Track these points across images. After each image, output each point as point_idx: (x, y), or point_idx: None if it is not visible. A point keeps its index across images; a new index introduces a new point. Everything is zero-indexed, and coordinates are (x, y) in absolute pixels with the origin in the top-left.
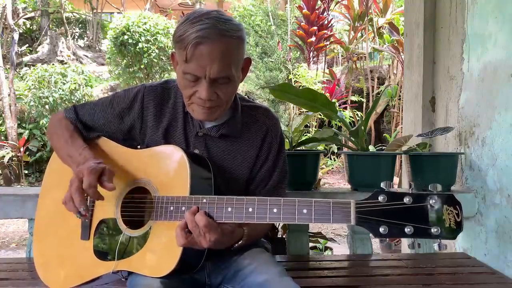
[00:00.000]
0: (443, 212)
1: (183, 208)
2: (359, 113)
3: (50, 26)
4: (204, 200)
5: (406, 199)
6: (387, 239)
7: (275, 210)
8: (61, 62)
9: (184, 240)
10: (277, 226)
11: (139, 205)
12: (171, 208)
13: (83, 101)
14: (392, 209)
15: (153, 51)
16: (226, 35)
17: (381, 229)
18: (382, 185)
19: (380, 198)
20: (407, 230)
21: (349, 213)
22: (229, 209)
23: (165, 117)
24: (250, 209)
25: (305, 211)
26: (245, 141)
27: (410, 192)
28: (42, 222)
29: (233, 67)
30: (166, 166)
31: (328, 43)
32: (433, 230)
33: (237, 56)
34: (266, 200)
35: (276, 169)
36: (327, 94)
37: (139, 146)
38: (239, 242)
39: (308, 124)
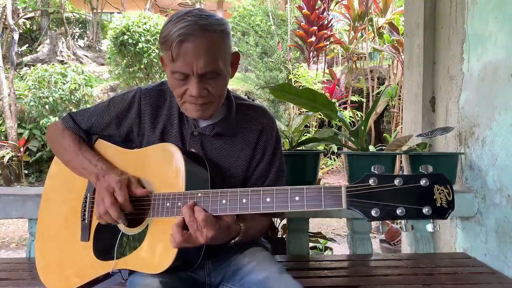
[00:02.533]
0: (434, 191)
1: (179, 204)
2: (359, 113)
3: (50, 26)
4: (199, 194)
5: (397, 181)
6: (379, 222)
7: (268, 199)
8: (61, 62)
9: (181, 237)
10: (277, 226)
11: (136, 203)
12: (167, 204)
13: (83, 101)
14: (383, 191)
15: (153, 51)
16: (209, 30)
17: (373, 212)
18: (373, 169)
19: (371, 181)
20: (398, 211)
21: (340, 198)
22: (224, 201)
23: (161, 119)
24: (244, 200)
25: (297, 198)
26: (240, 140)
27: (401, 174)
28: (44, 226)
29: (220, 61)
30: (162, 164)
31: (328, 43)
32: (425, 210)
33: (223, 50)
34: (259, 190)
35: (273, 168)
36: (327, 94)
37: (136, 148)
38: (236, 239)
39: (308, 124)
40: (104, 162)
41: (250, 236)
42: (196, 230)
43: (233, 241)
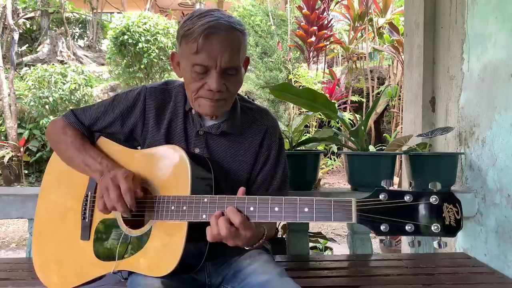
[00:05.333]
0: (443, 210)
1: (184, 208)
2: (358, 116)
3: (50, 26)
4: (205, 200)
5: (407, 197)
6: (388, 237)
7: (276, 209)
8: (61, 62)
9: (226, 231)
10: (277, 226)
11: (139, 205)
12: (172, 207)
13: (83, 101)
14: (393, 207)
15: (153, 51)
16: (235, 28)
17: (382, 227)
18: (383, 183)
19: (381, 196)
20: (407, 228)
21: (350, 212)
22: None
23: (166, 118)
24: (252, 208)
25: (306, 209)
26: (245, 140)
27: (411, 190)
28: (41, 223)
29: (240, 59)
30: (167, 166)
31: (328, 43)
32: (433, 227)
33: (243, 50)
34: (267, 199)
35: (278, 171)
36: (327, 94)
37: (139, 147)
38: (260, 241)
39: (308, 124)
40: (109, 160)
41: (267, 239)
42: (235, 236)
43: (257, 243)
